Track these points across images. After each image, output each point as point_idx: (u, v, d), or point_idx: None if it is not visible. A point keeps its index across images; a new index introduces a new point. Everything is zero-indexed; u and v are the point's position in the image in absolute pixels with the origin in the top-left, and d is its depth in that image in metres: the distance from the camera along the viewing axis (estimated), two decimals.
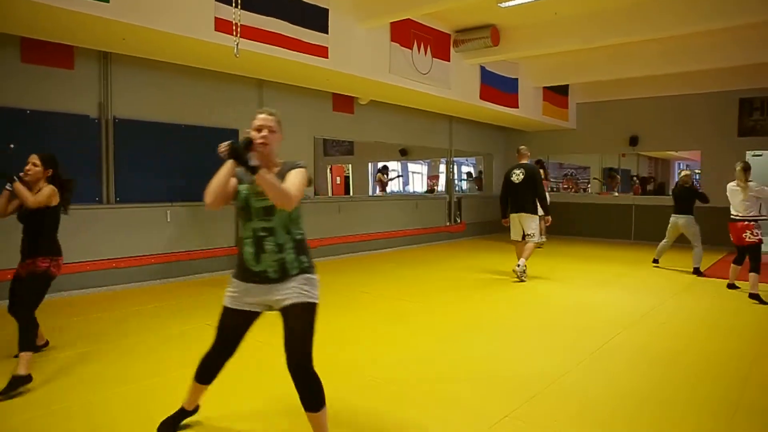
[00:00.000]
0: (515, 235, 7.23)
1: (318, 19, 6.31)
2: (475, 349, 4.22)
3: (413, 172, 16.74)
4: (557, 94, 11.67)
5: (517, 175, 7.13)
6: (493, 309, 5.61)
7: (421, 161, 16.15)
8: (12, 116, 5.52)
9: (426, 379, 3.53)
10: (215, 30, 5.33)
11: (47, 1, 4.26)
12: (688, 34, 7.75)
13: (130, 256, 6.41)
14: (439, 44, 8.23)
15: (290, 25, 6.00)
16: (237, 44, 5.00)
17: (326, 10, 6.41)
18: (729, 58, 8.67)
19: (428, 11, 6.98)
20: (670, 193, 8.27)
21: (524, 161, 7.30)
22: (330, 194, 12.50)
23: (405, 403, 3.14)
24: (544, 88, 11.17)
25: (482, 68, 9.27)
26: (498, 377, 3.53)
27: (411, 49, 7.72)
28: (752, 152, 11.08)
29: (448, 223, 11.91)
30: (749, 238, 6.07)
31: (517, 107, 10.23)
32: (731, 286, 6.56)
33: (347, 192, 13.54)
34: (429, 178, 15.81)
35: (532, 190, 7.05)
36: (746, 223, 6.09)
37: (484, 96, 9.35)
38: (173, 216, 6.83)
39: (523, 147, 7.46)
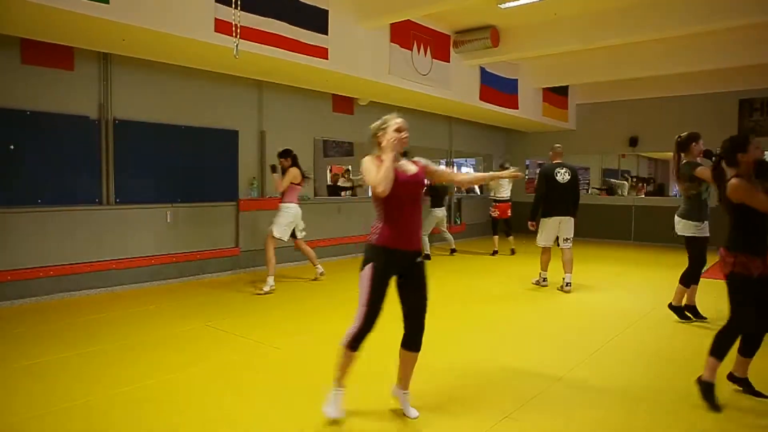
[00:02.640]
0: (547, 240, 6.63)
1: (318, 20, 6.31)
2: (475, 350, 4.22)
3: None
4: (557, 94, 11.67)
5: (563, 175, 6.55)
6: (492, 309, 5.60)
7: None
8: (12, 117, 5.52)
9: (426, 379, 3.52)
10: (215, 31, 5.34)
11: (47, 2, 4.26)
12: (687, 35, 7.75)
13: (129, 257, 6.41)
14: (438, 45, 8.24)
15: (290, 26, 6.01)
16: (237, 45, 5.00)
17: (326, 11, 6.41)
18: (729, 58, 8.67)
19: (428, 12, 6.98)
20: (427, 189, 9.72)
21: (560, 160, 6.76)
22: (329, 195, 12.46)
23: None
24: (544, 89, 11.18)
25: (482, 69, 9.28)
26: (498, 377, 3.53)
27: (411, 50, 7.72)
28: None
29: (448, 224, 11.90)
30: (509, 212, 9.75)
31: (517, 108, 10.23)
32: (493, 252, 9.70)
33: None
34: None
35: (576, 192, 6.64)
36: (509, 202, 9.74)
37: (483, 97, 9.36)
38: (173, 217, 6.83)
39: (558, 145, 6.92)
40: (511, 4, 7.08)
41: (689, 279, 5.00)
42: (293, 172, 6.42)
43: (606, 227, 12.07)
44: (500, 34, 8.26)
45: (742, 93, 10.51)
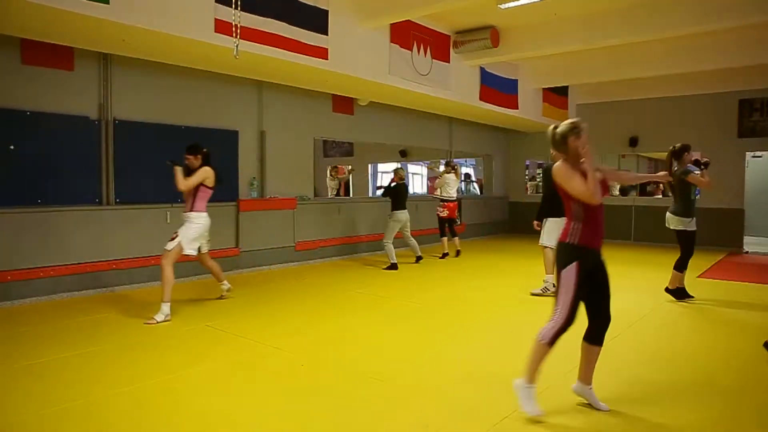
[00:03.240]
0: (555, 240, 6.63)
1: (318, 21, 6.31)
2: (475, 350, 4.22)
3: (413, 174, 16.75)
4: (557, 95, 11.67)
5: None
6: (492, 310, 5.61)
7: (420, 162, 16.15)
8: (12, 117, 5.53)
9: (426, 379, 3.53)
10: (215, 31, 5.34)
11: (47, 2, 4.27)
12: (687, 35, 7.75)
13: (129, 257, 6.41)
14: (438, 45, 8.24)
15: (290, 26, 6.01)
16: (237, 45, 5.00)
17: (326, 12, 6.41)
18: (729, 59, 8.67)
19: (428, 12, 6.98)
20: (386, 190, 8.31)
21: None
22: (330, 195, 12.50)
23: (405, 404, 3.14)
24: (544, 89, 11.18)
25: (482, 69, 9.28)
26: (498, 378, 3.53)
27: (411, 50, 7.73)
28: (752, 153, 11.08)
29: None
30: (456, 213, 9.25)
31: (517, 108, 10.23)
32: (443, 255, 9.07)
33: (347, 193, 13.55)
34: (430, 179, 15.80)
35: None
36: (456, 202, 9.24)
37: (483, 97, 9.36)
38: (173, 217, 6.83)
39: None
40: (511, 4, 7.08)
41: (683, 265, 5.75)
42: (206, 171, 5.34)
43: (606, 227, 12.02)
44: (500, 34, 8.27)
45: (742, 93, 10.51)
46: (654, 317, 5.26)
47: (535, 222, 6.36)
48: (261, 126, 7.97)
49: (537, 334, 2.91)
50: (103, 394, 3.22)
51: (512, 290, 6.54)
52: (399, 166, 8.55)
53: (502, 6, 7.13)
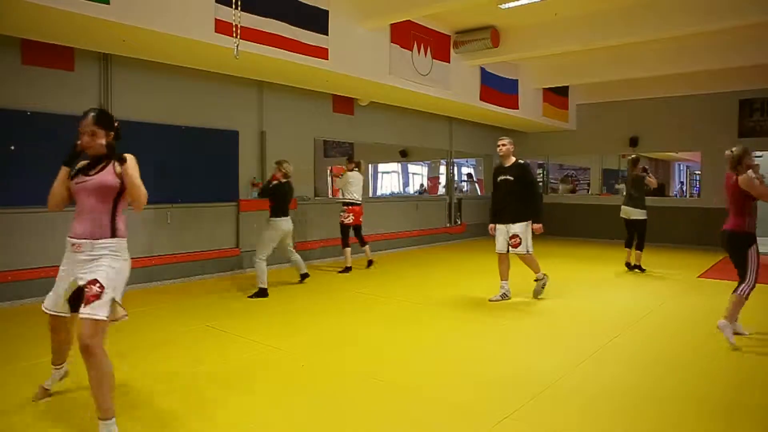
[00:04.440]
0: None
1: (318, 21, 6.32)
2: (475, 351, 4.22)
3: (413, 174, 16.78)
4: (557, 95, 11.67)
5: None
6: (492, 310, 5.60)
7: (421, 162, 16.16)
8: (13, 117, 5.53)
9: (426, 380, 3.53)
10: (215, 31, 5.34)
11: (48, 3, 4.27)
12: (688, 35, 7.76)
13: (130, 258, 6.40)
14: (439, 45, 8.24)
15: (290, 26, 6.01)
16: (237, 46, 5.01)
17: (326, 12, 6.42)
18: (729, 59, 8.67)
19: (428, 12, 6.99)
20: (263, 189, 6.32)
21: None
22: (330, 195, 12.49)
23: (405, 404, 3.14)
24: (544, 89, 11.18)
25: (482, 69, 9.28)
26: (498, 379, 3.53)
27: (411, 50, 7.73)
28: (752, 153, 11.07)
29: (448, 225, 11.92)
30: (361, 218, 7.97)
31: (518, 108, 10.24)
32: (346, 269, 7.79)
33: None
34: (429, 179, 15.82)
35: None
36: (361, 206, 7.98)
37: (484, 97, 9.36)
38: (174, 217, 6.84)
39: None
40: (512, 4, 7.08)
41: (642, 246, 7.70)
42: (134, 160, 2.98)
43: (606, 227, 12.07)
44: (500, 34, 8.27)
45: (742, 93, 10.50)
46: (653, 319, 5.26)
47: (493, 225, 6.02)
48: (261, 126, 7.97)
49: (734, 293, 4.30)
50: None
51: (513, 291, 6.53)
52: (284, 159, 6.49)
53: (503, 6, 7.13)
